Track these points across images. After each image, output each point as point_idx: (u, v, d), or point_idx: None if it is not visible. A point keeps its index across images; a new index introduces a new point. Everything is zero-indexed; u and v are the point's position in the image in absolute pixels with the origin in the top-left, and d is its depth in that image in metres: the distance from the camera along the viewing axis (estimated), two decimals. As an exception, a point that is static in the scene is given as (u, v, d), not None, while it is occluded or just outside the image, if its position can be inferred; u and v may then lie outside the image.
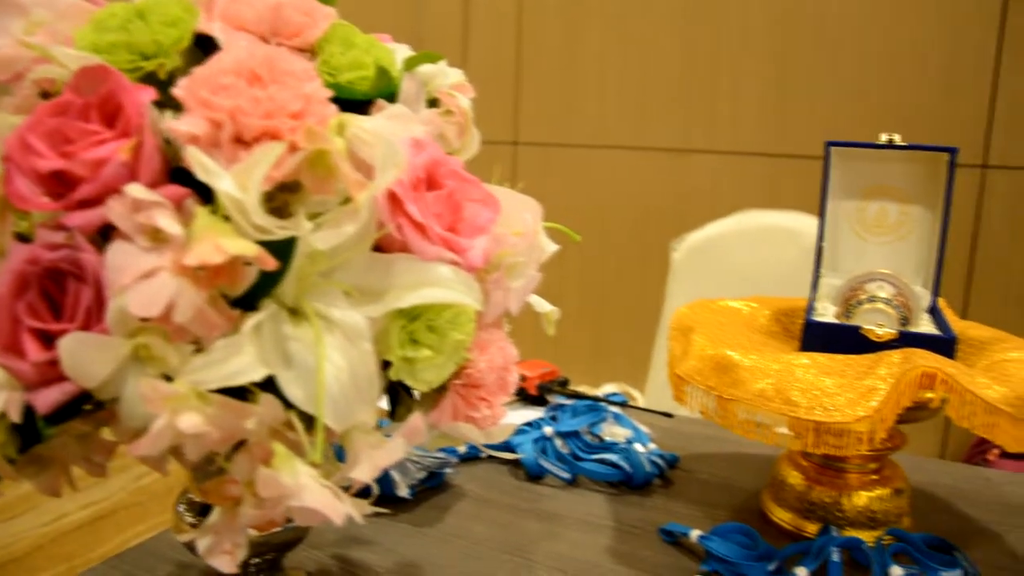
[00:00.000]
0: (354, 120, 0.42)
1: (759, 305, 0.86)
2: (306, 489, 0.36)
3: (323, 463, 0.40)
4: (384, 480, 0.79)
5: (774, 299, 0.88)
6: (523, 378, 1.04)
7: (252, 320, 0.36)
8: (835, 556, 0.71)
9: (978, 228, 2.17)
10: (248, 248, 0.35)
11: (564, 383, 1.06)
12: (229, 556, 0.40)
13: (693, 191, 2.47)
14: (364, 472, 0.38)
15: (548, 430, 0.91)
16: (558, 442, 0.91)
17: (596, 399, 1.02)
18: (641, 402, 1.86)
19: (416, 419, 0.40)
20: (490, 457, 0.92)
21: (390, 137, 0.40)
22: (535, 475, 0.88)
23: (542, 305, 0.55)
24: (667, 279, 1.68)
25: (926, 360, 0.63)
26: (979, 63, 2.10)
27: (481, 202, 0.45)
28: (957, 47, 2.12)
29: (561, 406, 1.00)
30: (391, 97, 0.47)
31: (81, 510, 1.12)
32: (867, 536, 0.74)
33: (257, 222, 0.36)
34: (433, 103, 0.53)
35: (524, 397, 1.05)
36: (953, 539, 0.76)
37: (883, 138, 0.82)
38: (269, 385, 0.38)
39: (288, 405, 0.38)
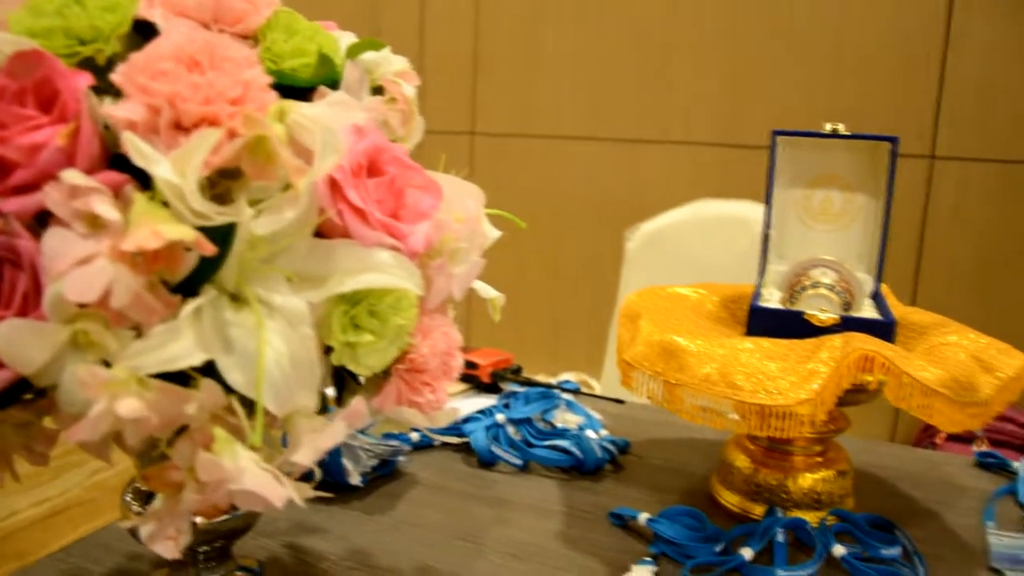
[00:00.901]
0: (295, 107, 0.42)
1: (707, 292, 0.87)
2: (246, 473, 0.36)
3: (265, 447, 0.40)
4: (336, 468, 0.79)
5: (722, 286, 0.90)
6: (476, 366, 1.04)
7: (191, 305, 0.36)
8: (780, 537, 0.72)
9: (926, 217, 2.21)
10: (186, 233, 0.35)
11: (517, 371, 1.06)
12: (172, 542, 0.40)
13: (648, 181, 2.49)
14: (305, 456, 0.38)
15: (500, 417, 0.92)
16: (510, 429, 0.91)
17: (549, 386, 1.02)
18: (598, 390, 1.87)
19: (357, 403, 0.40)
20: (443, 445, 0.93)
21: (330, 123, 0.40)
22: (487, 462, 0.88)
23: (487, 291, 0.55)
24: (621, 268, 1.69)
25: (865, 343, 0.64)
26: (926, 57, 2.14)
27: (423, 188, 0.45)
28: (906, 41, 2.16)
29: (514, 394, 1.01)
30: (334, 84, 0.47)
31: (34, 507, 1.10)
32: (812, 517, 0.76)
33: (195, 207, 0.36)
34: (378, 91, 0.53)
35: (477, 385, 1.06)
36: (895, 518, 0.78)
37: (827, 127, 0.83)
38: (211, 371, 0.38)
39: (229, 390, 0.38)
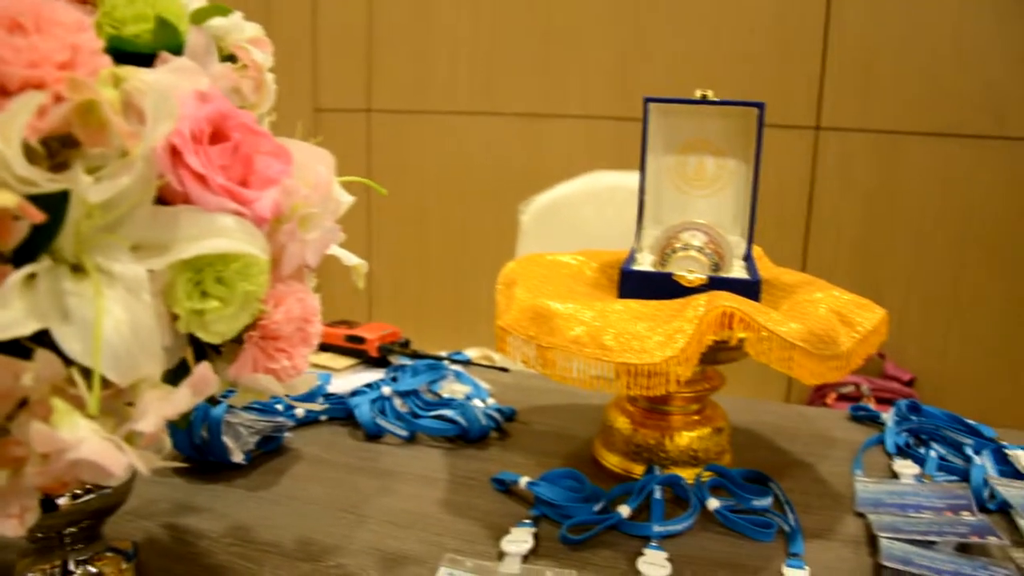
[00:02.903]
0: (134, 72, 0.41)
1: (586, 258, 0.89)
2: (85, 442, 0.36)
3: (113, 417, 0.39)
4: (217, 447, 0.78)
5: (601, 252, 0.91)
6: (364, 340, 1.04)
7: (19, 273, 0.36)
8: (657, 494, 0.74)
9: (813, 185, 2.28)
10: (8, 200, 0.34)
11: (405, 344, 1.06)
12: (16, 520, 0.39)
13: (547, 155, 2.50)
14: (149, 423, 0.38)
15: (387, 390, 0.92)
16: (397, 401, 0.92)
17: (437, 358, 1.03)
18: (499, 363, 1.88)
19: (203, 368, 0.40)
20: (330, 419, 0.92)
21: (166, 89, 0.39)
22: (373, 435, 0.88)
23: (349, 258, 0.55)
24: (517, 241, 1.71)
25: (727, 301, 0.66)
26: (810, 32, 2.21)
27: (272, 155, 0.45)
28: (790, 17, 2.22)
29: (402, 367, 1.01)
30: (178, 50, 0.46)
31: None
32: (689, 473, 0.78)
33: (20, 174, 0.35)
34: (231, 58, 0.52)
35: (366, 359, 1.05)
36: (770, 472, 0.81)
37: (697, 94, 0.85)
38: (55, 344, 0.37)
39: (71, 361, 0.37)
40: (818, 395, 2.30)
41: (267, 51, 0.53)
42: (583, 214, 1.65)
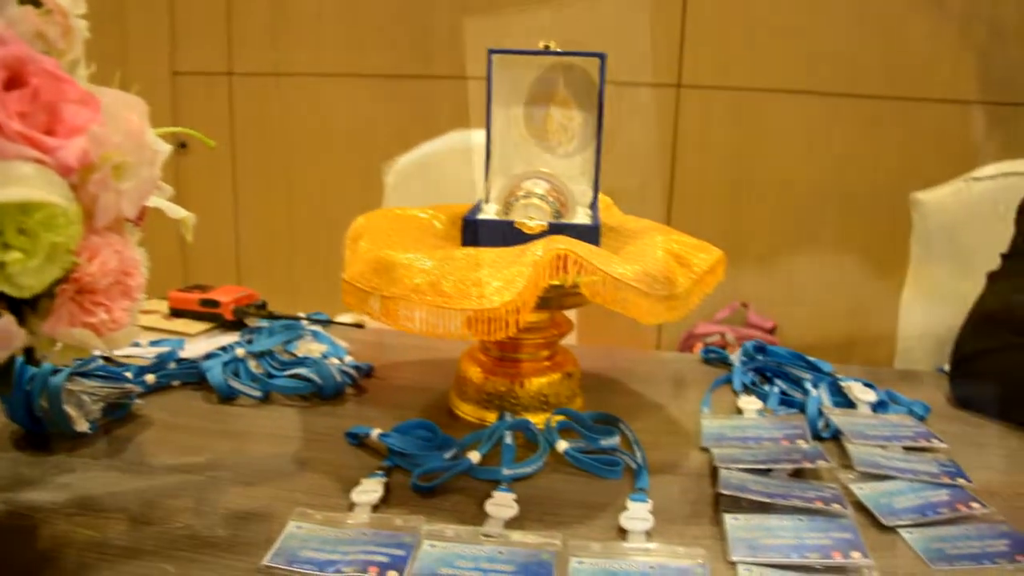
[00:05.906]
0: (-84, 15, 0.39)
1: (436, 211, 0.89)
2: None
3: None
4: (59, 417, 0.75)
5: (451, 206, 0.91)
6: (218, 304, 1.02)
7: None
8: (508, 439, 0.76)
9: (676, 141, 2.33)
10: None
11: (262, 306, 1.05)
12: None
13: (413, 116, 2.49)
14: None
15: (240, 352, 0.91)
16: (251, 363, 0.90)
17: (295, 318, 1.02)
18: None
19: (3, 322, 0.39)
20: (182, 384, 0.90)
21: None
22: (227, 397, 0.87)
23: (177, 212, 0.54)
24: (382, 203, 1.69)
25: (562, 244, 0.68)
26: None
27: (79, 102, 0.44)
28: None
29: (259, 329, 1.00)
30: (-32, -7, 0.44)
31: None
32: (540, 418, 0.80)
33: None
34: (36, 3, 0.50)
35: (222, 323, 1.03)
36: (622, 414, 0.83)
37: (540, 45, 0.86)
38: None
39: None
40: (686, 346, 2.38)
41: (73, -4, 0.50)
42: (446, 172, 1.65)
